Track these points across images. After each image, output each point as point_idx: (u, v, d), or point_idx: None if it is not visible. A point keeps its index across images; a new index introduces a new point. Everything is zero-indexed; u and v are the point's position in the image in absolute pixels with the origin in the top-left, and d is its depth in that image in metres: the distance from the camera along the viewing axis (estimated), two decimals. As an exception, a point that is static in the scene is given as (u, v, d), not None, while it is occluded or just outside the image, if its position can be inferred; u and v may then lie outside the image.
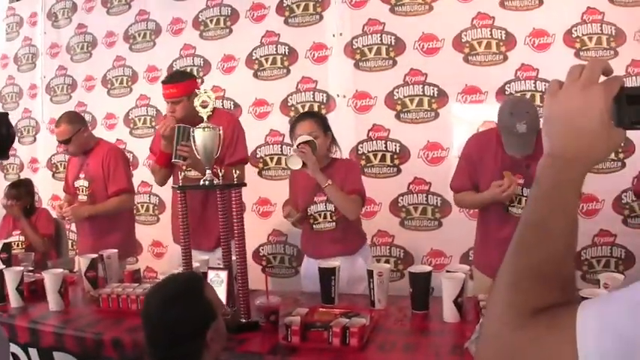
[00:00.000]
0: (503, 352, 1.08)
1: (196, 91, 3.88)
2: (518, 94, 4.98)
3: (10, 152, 6.33)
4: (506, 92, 5.03)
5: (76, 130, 4.95)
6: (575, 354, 0.96)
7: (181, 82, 4.48)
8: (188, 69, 6.08)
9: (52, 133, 6.76)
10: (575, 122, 1.13)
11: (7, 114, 1.67)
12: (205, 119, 3.27)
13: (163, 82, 4.53)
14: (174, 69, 6.23)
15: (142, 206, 6.42)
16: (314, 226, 4.15)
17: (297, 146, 3.94)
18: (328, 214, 4.10)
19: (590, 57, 4.82)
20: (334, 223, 4.11)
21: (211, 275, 3.27)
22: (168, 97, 4.41)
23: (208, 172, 3.27)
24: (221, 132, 3.31)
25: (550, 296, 1.07)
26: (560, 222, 1.12)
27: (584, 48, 4.88)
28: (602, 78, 1.14)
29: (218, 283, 3.22)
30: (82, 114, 6.35)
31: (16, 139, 7.07)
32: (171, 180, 4.71)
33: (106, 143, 5.29)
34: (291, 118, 5.60)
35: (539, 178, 1.16)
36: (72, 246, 6.07)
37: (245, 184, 3.29)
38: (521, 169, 3.72)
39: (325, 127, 4.12)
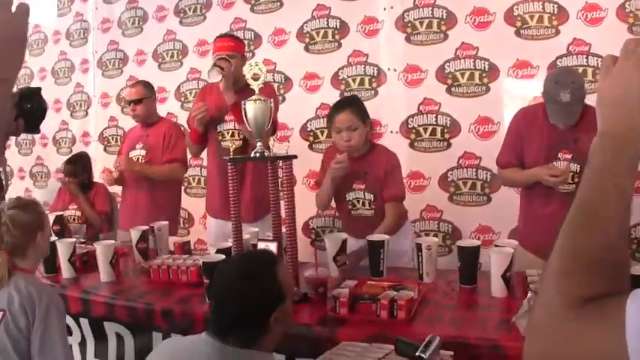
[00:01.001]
0: (550, 342, 1.03)
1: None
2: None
3: (62, 126, 6.50)
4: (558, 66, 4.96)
5: (149, 94, 5.22)
6: (624, 350, 0.91)
7: (237, 39, 4.57)
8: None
9: (104, 107, 6.87)
10: (629, 99, 1.08)
11: (39, 89, 1.71)
12: (257, 91, 3.28)
13: (220, 36, 4.57)
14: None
15: (194, 179, 6.46)
16: (352, 211, 4.12)
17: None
18: (367, 202, 4.06)
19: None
20: (373, 211, 4.06)
21: (261, 247, 3.30)
22: (225, 50, 4.38)
23: (259, 144, 3.28)
24: (272, 104, 3.31)
25: (600, 285, 1.02)
26: (610, 205, 1.05)
27: (637, 23, 4.75)
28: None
29: (268, 255, 3.25)
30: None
31: (69, 113, 7.18)
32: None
33: (168, 120, 5.56)
34: (341, 92, 5.66)
35: (591, 159, 1.10)
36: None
37: (296, 157, 3.30)
38: (569, 143, 3.66)
39: (364, 116, 4.04)
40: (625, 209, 1.06)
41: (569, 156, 3.67)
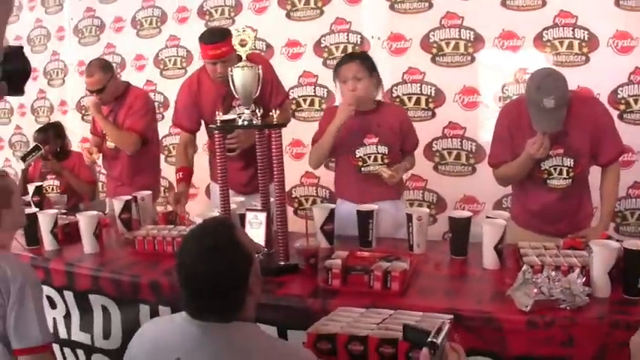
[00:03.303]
0: None
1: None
2: (556, 41, 4.91)
3: (40, 95, 6.40)
4: (544, 39, 4.95)
5: (108, 78, 4.88)
6: None
7: (227, 38, 4.10)
8: (219, 9, 6.05)
9: (81, 75, 6.74)
10: None
11: (21, 47, 1.60)
12: (244, 58, 3.21)
13: (206, 42, 4.16)
14: (204, 9, 6.22)
15: (174, 147, 6.32)
16: (362, 168, 3.99)
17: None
18: (379, 156, 3.96)
19: (630, 6, 4.74)
20: (385, 167, 3.95)
21: (250, 217, 3.24)
22: (219, 57, 4.11)
23: (247, 111, 3.20)
24: (260, 71, 3.23)
25: None
26: None
27: (625, -4, 4.76)
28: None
29: (257, 225, 3.19)
30: (111, 56, 6.36)
31: (45, 82, 7.07)
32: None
33: (136, 89, 5.19)
34: (324, 60, 5.62)
35: None
36: (102, 188, 6.07)
37: (285, 125, 3.22)
38: (560, 138, 3.54)
39: (370, 69, 3.97)
40: None
41: (561, 150, 3.58)
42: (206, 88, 4.33)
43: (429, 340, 1.81)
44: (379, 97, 4.11)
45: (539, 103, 3.39)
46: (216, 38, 4.14)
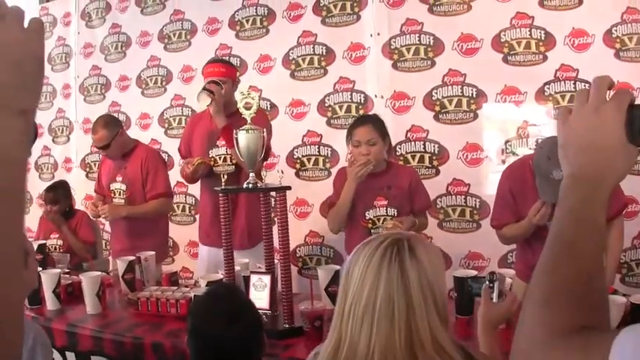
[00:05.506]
0: None
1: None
2: (558, 95, 4.91)
3: (45, 152, 6.42)
4: (546, 93, 4.95)
5: (114, 134, 4.89)
6: None
7: (229, 65, 4.51)
8: (224, 69, 6.06)
9: (86, 132, 6.79)
10: (593, 142, 1.15)
11: None
12: (249, 121, 3.23)
13: (211, 61, 4.50)
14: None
15: (178, 207, 6.38)
16: (372, 230, 4.00)
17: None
18: (389, 219, 3.98)
19: (630, 57, 4.76)
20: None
21: (254, 279, 3.24)
22: (217, 76, 4.32)
23: (252, 174, 3.23)
24: (265, 134, 3.26)
25: (581, 315, 1.06)
26: (588, 240, 1.13)
27: (624, 48, 4.77)
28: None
29: (261, 287, 3.18)
30: (116, 114, 6.36)
31: (50, 139, 7.10)
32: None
33: (144, 146, 5.27)
34: (327, 119, 5.65)
35: (562, 199, 1.18)
36: (105, 246, 6.07)
37: (289, 188, 3.24)
38: None
39: (383, 133, 4.05)
40: (599, 243, 1.15)
41: None
42: (201, 122, 4.55)
43: (489, 272, 2.25)
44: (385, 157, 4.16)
45: (549, 173, 3.38)
46: (217, 60, 4.55)
